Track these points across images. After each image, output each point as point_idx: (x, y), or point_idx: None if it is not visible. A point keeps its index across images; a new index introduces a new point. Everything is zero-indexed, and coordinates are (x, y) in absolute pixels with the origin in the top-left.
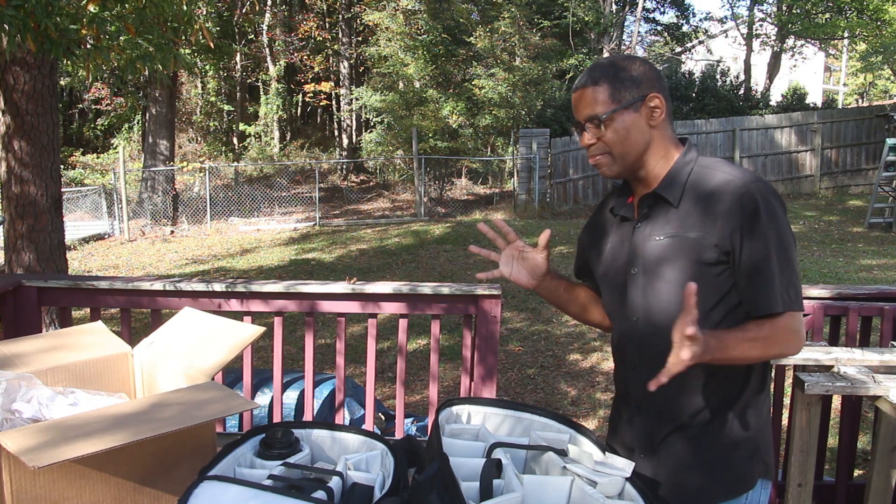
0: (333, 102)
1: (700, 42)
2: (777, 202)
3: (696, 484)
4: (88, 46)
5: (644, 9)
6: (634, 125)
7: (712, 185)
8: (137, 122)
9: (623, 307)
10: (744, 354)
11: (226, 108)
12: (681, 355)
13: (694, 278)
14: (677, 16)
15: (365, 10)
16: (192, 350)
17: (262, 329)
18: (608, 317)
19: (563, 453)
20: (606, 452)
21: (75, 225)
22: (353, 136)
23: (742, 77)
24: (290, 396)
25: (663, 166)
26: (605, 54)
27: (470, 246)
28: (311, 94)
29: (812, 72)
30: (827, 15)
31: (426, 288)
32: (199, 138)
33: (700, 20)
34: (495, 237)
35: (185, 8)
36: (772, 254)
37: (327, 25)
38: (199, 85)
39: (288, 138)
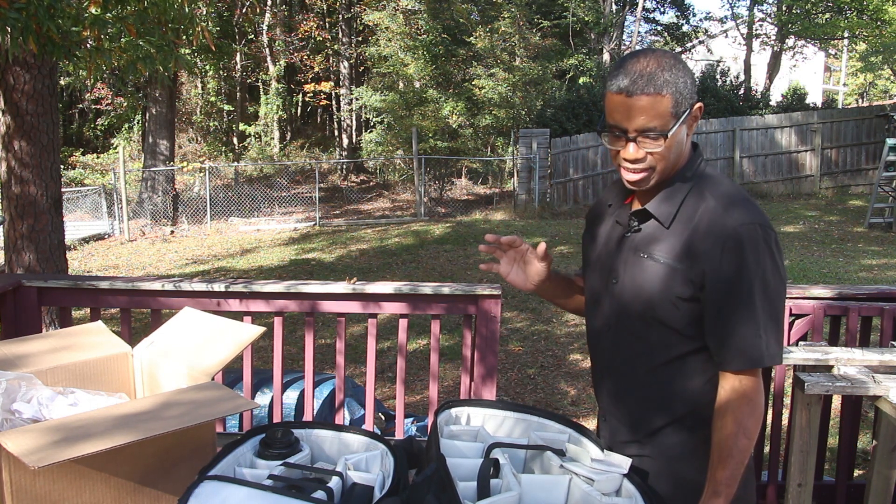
0: (333, 102)
1: (700, 42)
2: (766, 249)
3: (661, 492)
4: (89, 47)
5: (644, 9)
6: (682, 138)
7: (704, 216)
8: (137, 122)
9: (598, 312)
10: (734, 463)
11: (226, 108)
12: None
13: (668, 309)
14: (677, 16)
15: (365, 10)
16: (192, 350)
17: (262, 329)
18: (586, 308)
19: (561, 453)
20: (605, 451)
21: (75, 225)
22: (353, 136)
23: (742, 77)
24: (290, 396)
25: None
26: (605, 55)
27: (480, 246)
28: (311, 94)
29: (812, 72)
30: (827, 15)
31: (426, 288)
32: (199, 138)
33: (700, 20)
34: (505, 244)
35: (186, 9)
36: (741, 305)
37: (327, 25)
38: (199, 85)
39: (288, 138)
